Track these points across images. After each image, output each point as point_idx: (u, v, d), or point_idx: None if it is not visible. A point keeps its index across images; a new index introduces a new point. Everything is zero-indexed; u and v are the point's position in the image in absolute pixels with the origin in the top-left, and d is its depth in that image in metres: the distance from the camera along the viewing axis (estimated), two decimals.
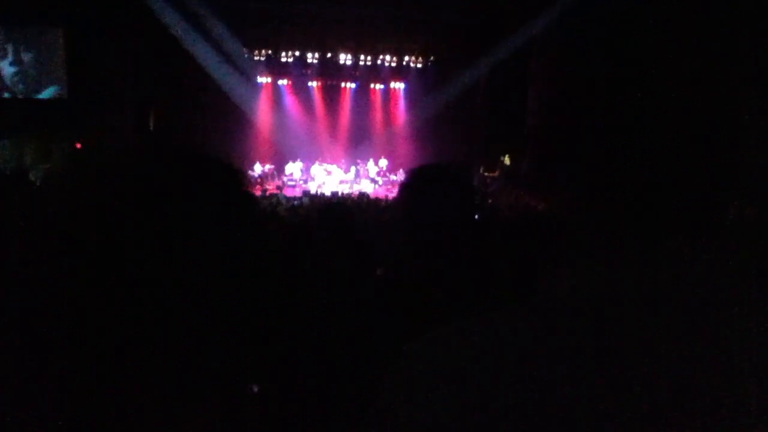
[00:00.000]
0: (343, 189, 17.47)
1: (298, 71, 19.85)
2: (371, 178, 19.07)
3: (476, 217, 1.83)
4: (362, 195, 15.96)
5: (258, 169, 18.39)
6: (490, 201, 12.92)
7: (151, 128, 15.94)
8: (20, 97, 14.66)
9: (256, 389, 1.02)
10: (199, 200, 0.90)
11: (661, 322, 0.53)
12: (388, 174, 19.25)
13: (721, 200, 0.59)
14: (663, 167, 0.57)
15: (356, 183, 18.70)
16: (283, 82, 20.29)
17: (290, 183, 18.49)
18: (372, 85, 20.69)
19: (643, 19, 0.58)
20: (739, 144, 0.58)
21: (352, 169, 19.28)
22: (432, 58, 19.52)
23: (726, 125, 0.57)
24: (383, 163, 19.61)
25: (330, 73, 19.98)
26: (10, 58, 14.65)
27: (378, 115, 21.19)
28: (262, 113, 20.05)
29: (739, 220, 0.60)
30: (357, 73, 20.12)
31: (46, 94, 14.74)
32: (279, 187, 17.46)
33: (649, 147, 0.57)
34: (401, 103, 21.01)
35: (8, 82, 14.77)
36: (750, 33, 0.57)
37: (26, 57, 14.69)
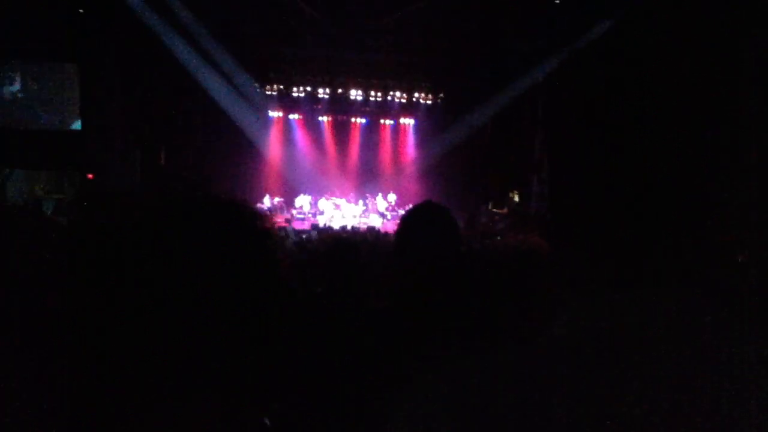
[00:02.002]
0: (352, 223, 17.49)
1: (309, 106, 20.10)
2: (380, 212, 19.10)
3: (461, 253, 2.07)
4: (371, 229, 15.97)
5: (267, 202, 18.49)
6: (498, 238, 12.89)
7: (162, 162, 16.11)
8: (30, 128, 14.88)
9: (268, 422, 1.02)
10: (210, 239, 0.93)
11: (657, 363, 0.54)
12: (396, 209, 19.28)
13: (717, 250, 0.60)
14: (663, 211, 0.57)
15: (365, 217, 18.72)
16: (294, 116, 20.54)
17: (299, 216, 18.54)
18: (382, 121, 20.89)
19: (647, 65, 0.59)
20: (739, 200, 0.59)
21: (360, 202, 19.34)
22: (441, 95, 19.74)
23: (726, 179, 0.58)
24: (392, 197, 19.67)
25: (340, 108, 20.23)
26: (18, 86, 14.91)
27: (387, 150, 21.34)
28: (273, 147, 20.25)
29: (733, 266, 0.61)
30: (367, 108, 20.34)
31: (73, 125, 14.96)
32: (288, 220, 17.51)
33: (650, 191, 0.58)
34: (410, 139, 21.17)
35: (17, 113, 15.01)
36: (749, 81, 0.58)
37: (35, 88, 14.97)
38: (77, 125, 15.11)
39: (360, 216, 18.73)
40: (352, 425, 1.61)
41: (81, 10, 13.82)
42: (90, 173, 14.58)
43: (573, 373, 0.56)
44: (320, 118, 20.72)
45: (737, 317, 0.54)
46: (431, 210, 2.16)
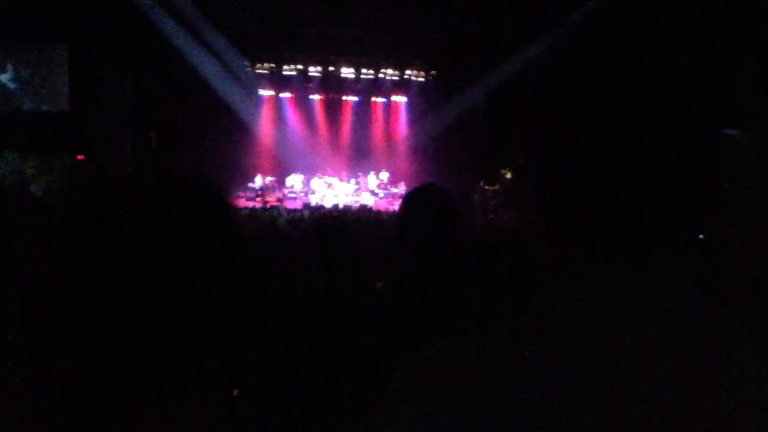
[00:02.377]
0: (344, 202, 17.49)
1: (300, 85, 19.97)
2: (372, 190, 19.09)
3: (463, 236, 2.01)
4: (363, 207, 15.97)
5: (259, 181, 18.43)
6: (491, 216, 12.93)
7: (153, 143, 15.99)
8: (25, 108, 14.73)
9: (236, 393, 1.05)
10: (181, 214, 1.00)
11: (652, 345, 0.54)
12: (389, 187, 19.28)
13: (705, 222, 0.60)
14: (651, 188, 0.57)
15: (357, 195, 18.72)
16: (285, 95, 20.41)
17: (291, 195, 18.51)
18: (373, 99, 20.80)
19: (639, 46, 0.58)
20: (721, 171, 0.59)
21: (352, 181, 19.32)
22: (434, 72, 19.63)
23: (710, 154, 0.58)
24: (384, 176, 19.65)
25: (332, 86, 20.10)
26: (9, 72, 14.73)
27: (379, 128, 21.27)
28: (264, 126, 20.15)
29: (720, 240, 0.61)
30: (358, 86, 20.23)
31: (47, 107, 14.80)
32: (280, 200, 17.49)
33: (637, 170, 0.57)
34: (402, 117, 21.10)
35: (7, 96, 14.84)
36: (746, 72, 0.58)
37: (25, 72, 14.78)
38: (65, 108, 14.95)
39: (352, 195, 18.72)
40: (350, 425, 1.62)
41: None
42: (80, 155, 14.47)
43: (573, 371, 0.56)
44: (311, 97, 20.59)
45: (738, 314, 0.55)
46: (432, 195, 2.05)
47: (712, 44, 0.57)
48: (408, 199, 2.06)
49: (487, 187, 17.31)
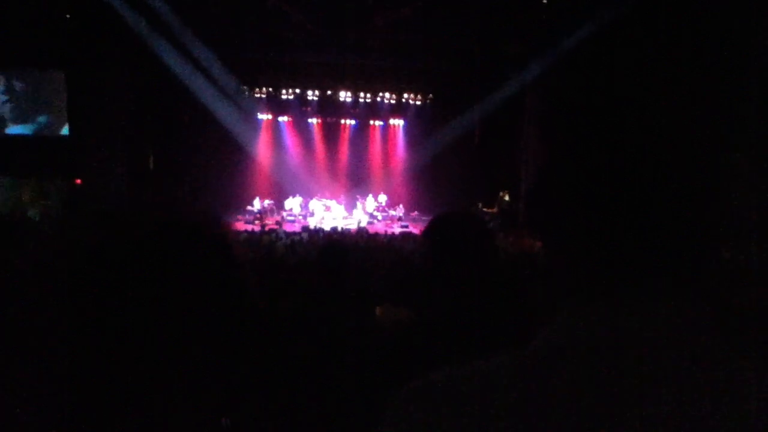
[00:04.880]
0: (342, 225, 17.48)
1: (298, 109, 20.10)
2: (370, 213, 19.11)
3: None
4: (361, 230, 15.96)
5: (257, 204, 18.45)
6: None
7: (151, 167, 16.03)
8: (11, 125, 14.77)
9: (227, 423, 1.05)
10: (179, 254, 1.03)
11: (654, 375, 0.53)
12: (387, 209, 19.30)
13: (706, 246, 0.60)
14: (651, 211, 0.57)
15: (352, 217, 18.71)
16: (283, 119, 20.53)
17: (289, 218, 18.52)
18: (371, 122, 20.92)
19: (636, 67, 0.59)
20: (720, 196, 0.59)
21: (355, 204, 19.35)
22: (431, 96, 19.78)
23: (710, 178, 0.58)
24: (382, 198, 19.69)
25: (330, 110, 20.23)
26: (4, 96, 14.82)
27: (377, 151, 21.37)
28: (262, 149, 20.24)
29: (718, 264, 0.60)
30: (356, 110, 20.36)
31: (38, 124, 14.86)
32: (278, 223, 17.48)
33: (640, 192, 0.57)
34: (400, 140, 21.21)
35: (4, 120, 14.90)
36: (738, 83, 0.58)
37: (19, 88, 14.86)
38: (65, 131, 15.01)
39: (350, 217, 18.73)
40: None
41: (68, 16, 13.73)
42: (77, 179, 14.50)
43: (569, 385, 0.55)
44: (310, 121, 20.71)
45: (735, 326, 0.54)
46: (467, 222, 1.92)
47: (709, 69, 0.57)
48: (439, 227, 1.90)
49: (485, 210, 17.34)
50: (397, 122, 20.94)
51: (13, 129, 15.13)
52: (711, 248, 0.58)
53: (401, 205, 19.21)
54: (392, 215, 18.89)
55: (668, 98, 0.57)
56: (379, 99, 19.79)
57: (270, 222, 17.55)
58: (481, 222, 1.95)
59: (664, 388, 0.53)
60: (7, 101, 14.94)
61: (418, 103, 19.97)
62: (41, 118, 15.03)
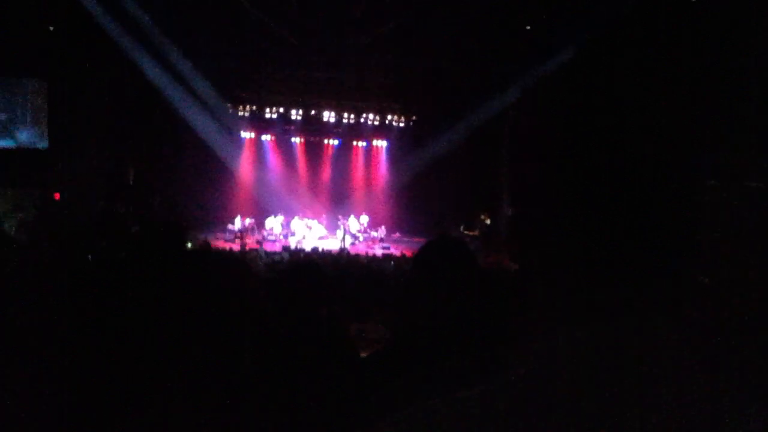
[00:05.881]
0: (323, 245, 17.41)
1: (282, 127, 20.11)
2: (352, 234, 19.07)
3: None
4: (342, 251, 15.91)
5: (238, 223, 18.31)
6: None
7: (131, 181, 15.90)
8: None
9: None
10: (149, 257, 1.09)
11: (637, 400, 0.53)
12: (369, 230, 19.28)
13: (682, 271, 0.60)
14: (633, 233, 0.57)
15: (334, 237, 18.63)
16: (266, 137, 20.52)
17: (270, 238, 18.38)
18: (354, 143, 20.98)
19: (615, 95, 0.59)
20: (704, 219, 0.59)
21: (338, 225, 19.31)
22: (414, 117, 19.92)
23: (693, 204, 0.58)
24: (364, 219, 19.68)
25: (313, 129, 20.27)
26: None
27: (360, 171, 21.42)
28: (244, 167, 20.18)
29: (695, 287, 0.60)
30: (340, 130, 20.43)
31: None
32: (259, 242, 17.34)
33: (622, 215, 0.57)
34: (383, 161, 21.29)
35: None
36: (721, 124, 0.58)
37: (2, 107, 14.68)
38: (44, 144, 14.84)
39: (332, 237, 18.67)
40: None
41: (51, 28, 13.66)
42: (56, 192, 14.31)
43: (547, 416, 0.55)
44: (293, 139, 20.73)
45: (717, 348, 0.54)
46: (451, 248, 2.06)
47: (694, 97, 0.58)
48: (426, 252, 2.04)
49: (466, 232, 17.42)
50: (381, 143, 21.03)
51: None
52: (688, 272, 0.58)
53: (383, 227, 19.21)
54: (374, 236, 18.87)
55: (647, 120, 0.57)
56: (362, 119, 19.89)
57: (250, 241, 17.42)
58: (467, 248, 2.07)
59: (645, 415, 0.52)
60: None
61: (401, 124, 20.08)
62: (21, 134, 14.85)
